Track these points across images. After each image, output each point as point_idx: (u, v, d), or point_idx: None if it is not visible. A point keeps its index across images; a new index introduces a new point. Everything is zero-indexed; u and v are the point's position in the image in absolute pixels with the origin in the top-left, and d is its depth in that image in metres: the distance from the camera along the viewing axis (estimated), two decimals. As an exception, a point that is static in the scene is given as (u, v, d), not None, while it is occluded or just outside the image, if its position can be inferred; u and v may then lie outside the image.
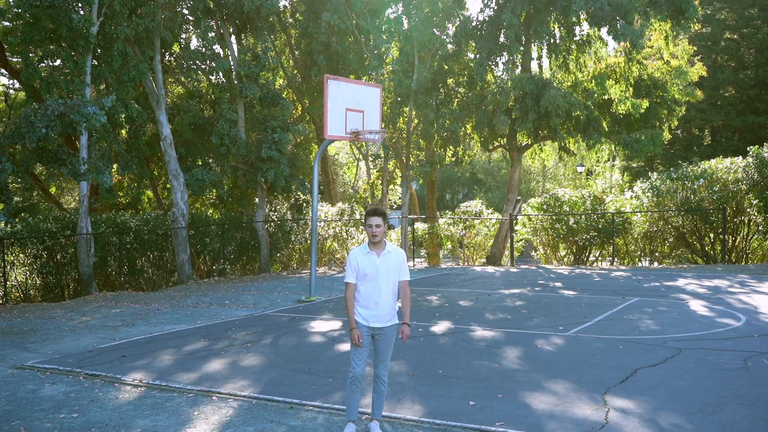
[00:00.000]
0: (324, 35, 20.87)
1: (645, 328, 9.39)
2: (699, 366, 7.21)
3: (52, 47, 16.22)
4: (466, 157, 25.82)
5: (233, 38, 20.00)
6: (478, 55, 22.70)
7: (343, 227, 23.88)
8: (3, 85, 25.04)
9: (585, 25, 22.74)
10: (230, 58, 19.78)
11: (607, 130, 22.29)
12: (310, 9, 22.10)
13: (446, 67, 23.27)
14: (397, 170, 26.70)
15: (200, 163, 20.45)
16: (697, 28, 33.35)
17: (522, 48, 22.30)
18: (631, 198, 21.14)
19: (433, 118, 21.92)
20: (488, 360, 7.78)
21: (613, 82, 22.32)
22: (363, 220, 4.98)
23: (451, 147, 24.15)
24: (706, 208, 18.70)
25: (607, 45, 23.90)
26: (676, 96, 22.92)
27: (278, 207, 22.79)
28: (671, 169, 21.34)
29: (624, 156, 32.28)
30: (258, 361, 8.06)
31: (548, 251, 22.66)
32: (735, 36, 39.93)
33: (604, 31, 21.65)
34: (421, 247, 25.25)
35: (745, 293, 12.50)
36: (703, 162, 19.99)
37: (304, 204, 23.10)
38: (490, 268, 19.94)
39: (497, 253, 23.18)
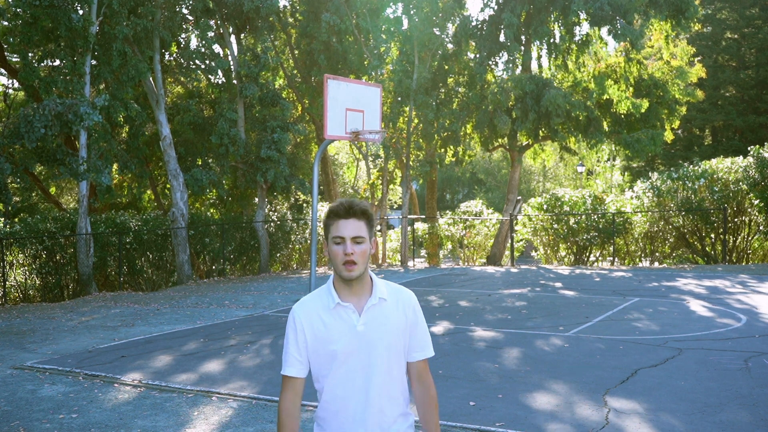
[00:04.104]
0: (324, 35, 20.86)
1: (645, 329, 9.37)
2: (699, 366, 7.19)
3: (51, 47, 16.20)
4: (467, 157, 25.81)
5: (233, 38, 19.99)
6: (478, 55, 22.69)
7: (343, 227, 23.82)
8: (2, 84, 25.02)
9: (585, 25, 22.76)
10: (230, 58, 19.76)
11: (607, 130, 22.27)
12: (310, 9, 22.08)
13: (446, 67, 23.25)
14: (397, 170, 26.69)
15: (200, 163, 20.43)
16: (697, 28, 33.34)
17: (522, 48, 22.30)
18: (632, 198, 21.12)
19: (433, 118, 21.90)
20: (488, 360, 7.76)
21: (613, 82, 22.31)
22: (323, 229, 2.63)
23: (451, 147, 24.13)
24: (706, 208, 18.68)
25: (607, 45, 23.90)
26: (677, 96, 22.90)
27: (278, 207, 22.77)
28: (672, 169, 21.32)
29: (624, 156, 32.27)
30: (258, 361, 8.04)
31: (548, 251, 22.64)
32: (736, 36, 39.92)
33: (604, 31, 21.65)
34: (421, 247, 25.23)
35: (746, 293, 12.48)
36: (703, 162, 19.97)
37: (304, 204, 23.08)
38: (490, 268, 19.92)
39: (497, 253, 23.16)
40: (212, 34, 19.60)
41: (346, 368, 2.40)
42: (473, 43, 23.06)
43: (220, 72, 20.46)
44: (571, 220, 21.14)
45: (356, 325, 2.39)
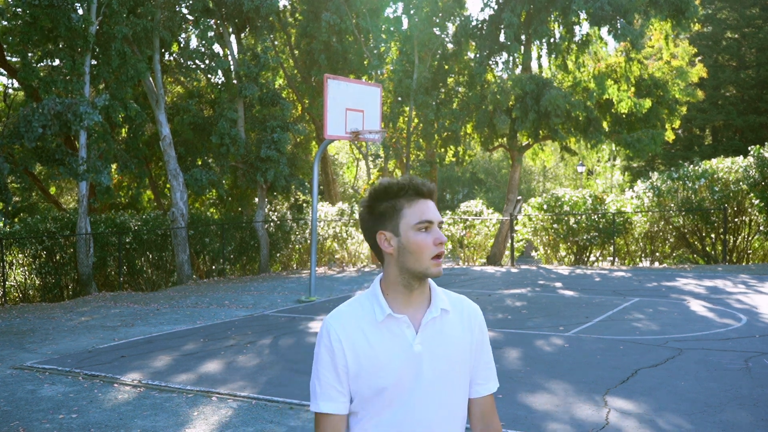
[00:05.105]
0: (324, 35, 20.86)
1: (645, 329, 9.36)
2: (700, 366, 7.18)
3: (50, 47, 16.20)
4: (467, 157, 25.81)
5: (233, 38, 19.99)
6: (478, 55, 22.70)
7: (343, 227, 23.87)
8: (2, 84, 25.02)
9: (585, 25, 22.80)
10: (230, 58, 19.76)
11: (607, 130, 22.28)
12: (310, 9, 22.09)
13: (446, 67, 23.27)
14: (397, 170, 26.69)
15: (200, 162, 20.43)
16: (697, 28, 33.37)
17: (522, 48, 22.32)
18: (632, 198, 21.10)
19: (433, 118, 21.91)
20: (488, 360, 7.74)
21: (613, 82, 22.32)
22: (383, 214, 1.81)
23: (451, 147, 24.14)
24: (707, 208, 18.67)
25: (607, 45, 23.93)
26: (677, 96, 22.91)
27: (278, 207, 22.77)
28: (672, 168, 21.30)
29: (624, 156, 32.28)
30: (257, 361, 8.03)
31: (548, 251, 22.63)
32: (736, 35, 39.93)
33: (604, 30, 21.66)
34: (421, 247, 25.17)
35: (746, 293, 12.47)
36: (704, 162, 19.95)
37: (304, 204, 23.08)
38: (490, 268, 19.91)
39: (497, 253, 23.15)
40: (212, 34, 19.60)
41: (397, 404, 1.76)
42: (473, 43, 23.07)
43: (220, 72, 20.47)
44: (571, 220, 21.13)
45: (412, 344, 1.77)
